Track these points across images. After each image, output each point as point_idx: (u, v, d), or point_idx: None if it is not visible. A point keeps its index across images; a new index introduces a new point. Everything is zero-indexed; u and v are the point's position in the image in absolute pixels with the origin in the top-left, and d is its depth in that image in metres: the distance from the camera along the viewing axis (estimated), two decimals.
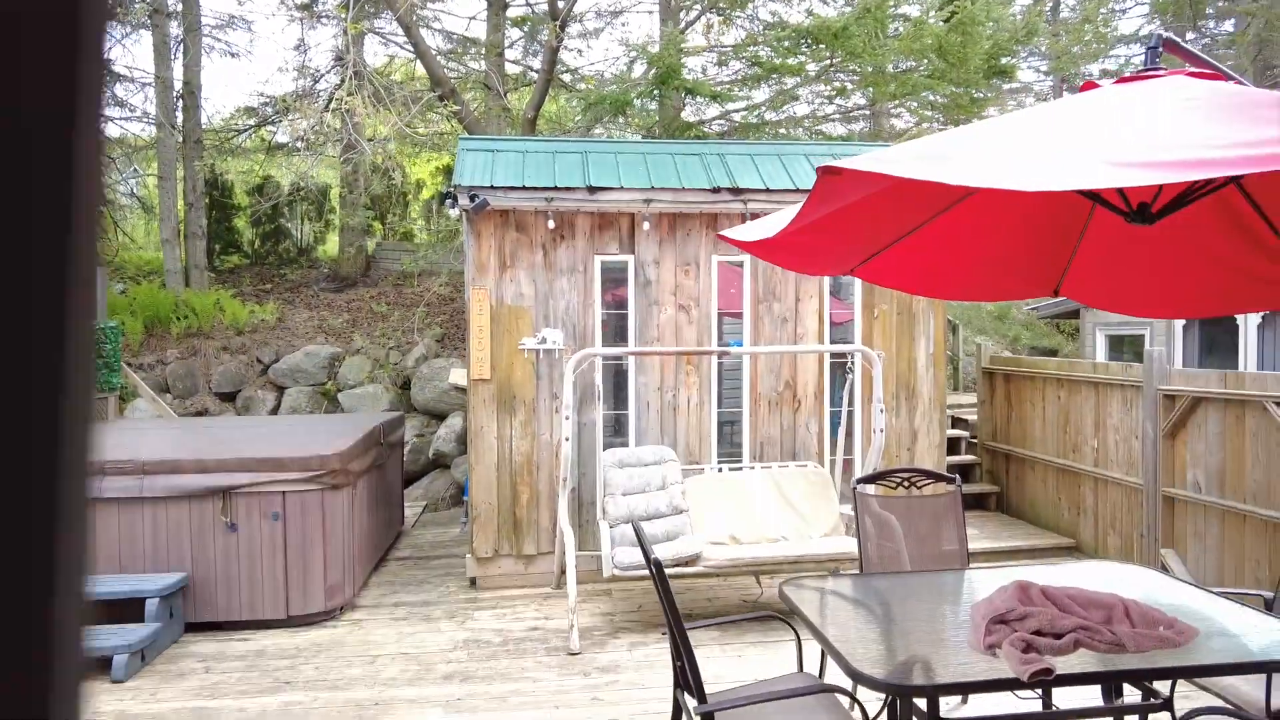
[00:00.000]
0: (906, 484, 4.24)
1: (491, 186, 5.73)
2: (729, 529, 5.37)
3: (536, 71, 14.42)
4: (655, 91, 9.08)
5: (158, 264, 13.78)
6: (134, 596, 4.81)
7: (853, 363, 5.83)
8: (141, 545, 5.16)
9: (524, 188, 5.77)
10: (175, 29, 12.33)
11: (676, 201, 5.90)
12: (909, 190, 3.08)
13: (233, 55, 15.54)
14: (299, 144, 15.59)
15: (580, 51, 15.93)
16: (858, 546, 4.04)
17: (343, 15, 11.23)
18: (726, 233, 3.33)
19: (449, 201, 5.78)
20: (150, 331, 11.14)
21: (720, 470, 5.82)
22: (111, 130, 16.10)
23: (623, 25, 20.50)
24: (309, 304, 13.08)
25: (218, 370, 10.66)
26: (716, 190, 5.88)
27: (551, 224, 5.81)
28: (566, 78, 14.45)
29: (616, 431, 6.15)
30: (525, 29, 14.09)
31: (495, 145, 6.29)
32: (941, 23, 7.70)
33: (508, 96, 13.79)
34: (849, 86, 10.19)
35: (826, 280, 6.18)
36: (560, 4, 10.97)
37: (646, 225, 5.94)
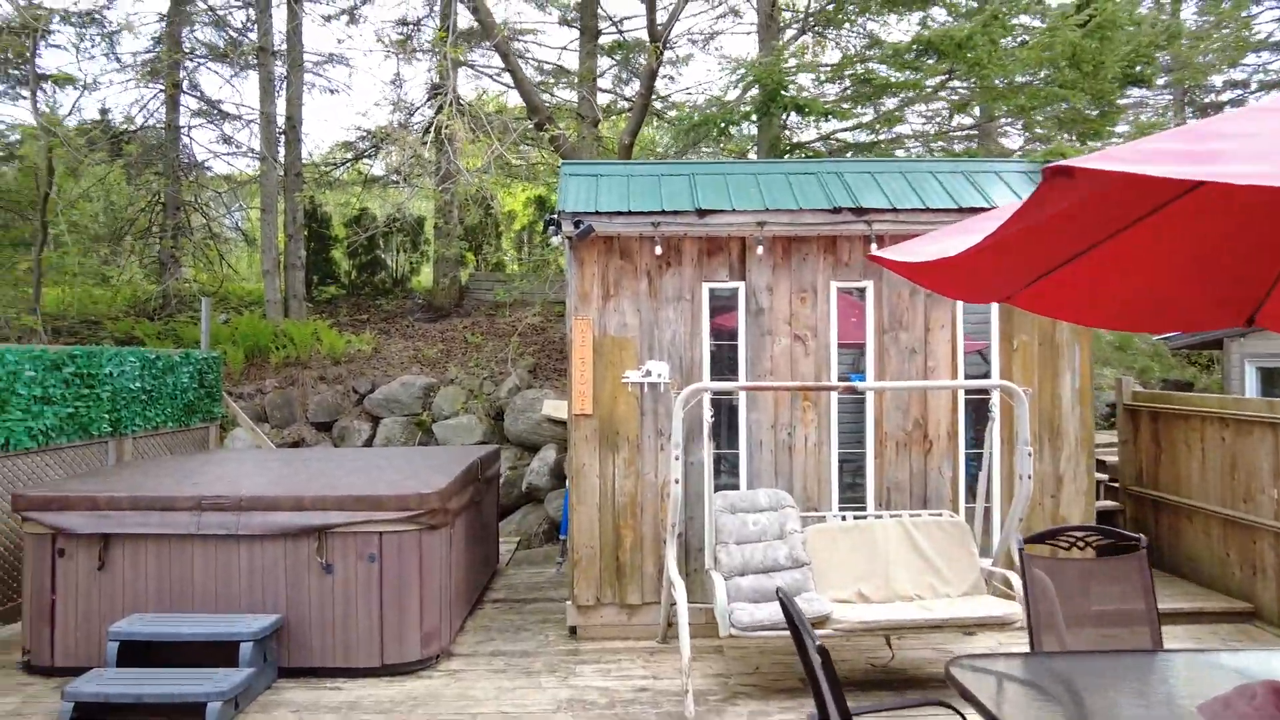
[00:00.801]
0: (1081, 544, 3.66)
1: (596, 212, 5.43)
2: (856, 585, 4.83)
3: (629, 100, 14.30)
4: (760, 112, 8.71)
5: (259, 295, 14.14)
6: (229, 639, 4.62)
7: (994, 400, 5.24)
8: (237, 585, 4.99)
9: (629, 212, 5.44)
10: (279, 66, 12.70)
11: (793, 224, 5.47)
12: (1096, 202, 2.59)
13: (332, 92, 15.98)
14: (394, 177, 15.90)
15: (672, 78, 15.72)
16: (1026, 617, 3.46)
17: (440, 47, 11.33)
18: (882, 252, 2.88)
19: (551, 229, 5.51)
20: (250, 360, 11.33)
21: (843, 518, 5.29)
22: (220, 167, 16.78)
23: (717, 49, 20.28)
24: (404, 334, 13.15)
25: (314, 400, 10.73)
26: (837, 210, 5.43)
27: (659, 249, 5.47)
28: (658, 104, 14.27)
29: (726, 472, 5.70)
30: (618, 57, 14.00)
31: (599, 170, 6.01)
32: (1076, 27, 7.09)
33: (600, 126, 13.68)
34: (968, 101, 9.61)
35: (960, 307, 5.62)
36: (659, 26, 10.76)
37: (760, 250, 5.53)
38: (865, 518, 5.31)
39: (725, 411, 5.66)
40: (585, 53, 12.77)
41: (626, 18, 15.39)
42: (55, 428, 6.16)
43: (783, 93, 8.24)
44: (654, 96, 13.43)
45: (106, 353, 6.79)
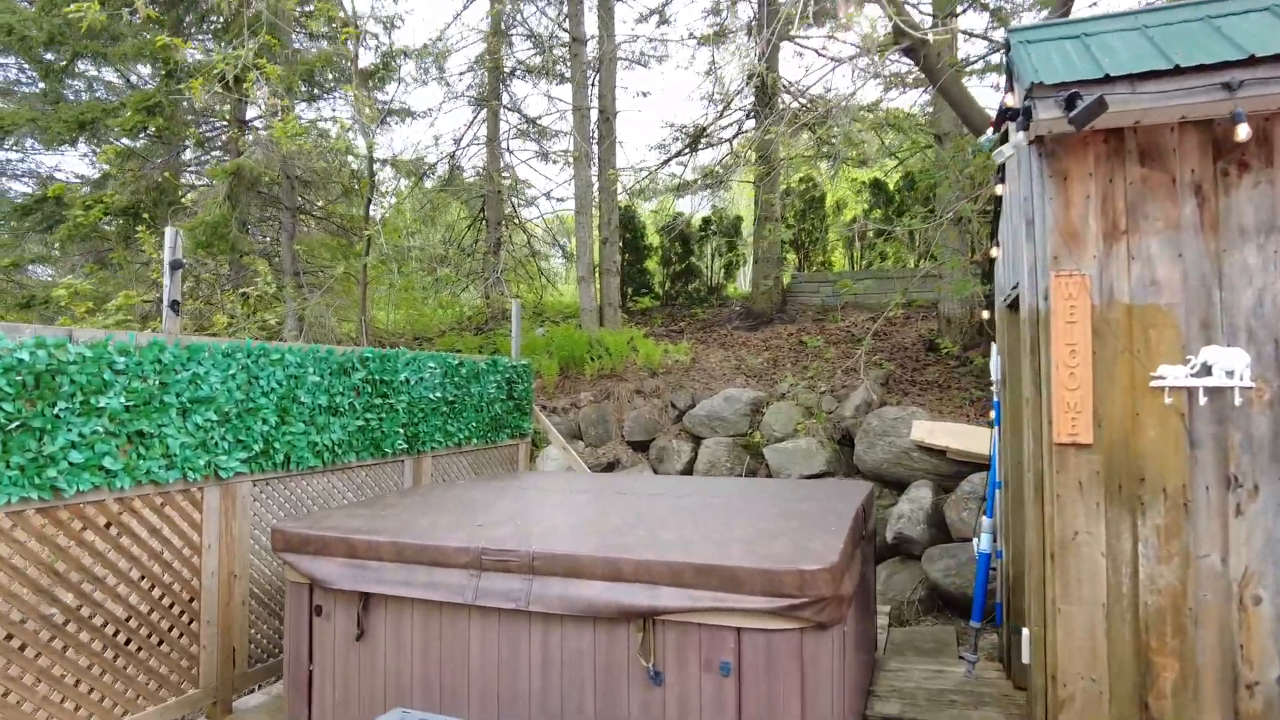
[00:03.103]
0: None
1: (1105, 78, 3.03)
2: None
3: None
4: None
5: (574, 308, 13.42)
6: None
7: None
8: (525, 682, 3.33)
9: (1173, 71, 2.97)
10: (591, 50, 11.79)
11: None
12: None
13: (643, 94, 15.02)
14: (708, 179, 14.50)
15: None
16: None
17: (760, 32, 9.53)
18: None
19: (1016, 122, 3.22)
20: (565, 373, 10.33)
21: None
22: (528, 174, 16.63)
23: None
24: (722, 343, 11.49)
25: (630, 416, 9.36)
26: None
27: (1244, 133, 2.92)
28: None
29: None
30: None
31: (1084, 28, 3.58)
32: None
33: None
34: None
35: None
36: None
37: None
38: None
39: None
40: None
41: None
42: (343, 443, 5.15)
43: None
44: None
45: (402, 356, 5.76)
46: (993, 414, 5.31)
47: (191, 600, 4.19)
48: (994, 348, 5.13)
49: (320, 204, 12.61)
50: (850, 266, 14.05)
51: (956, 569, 6.36)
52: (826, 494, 4.65)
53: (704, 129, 13.63)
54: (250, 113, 10.59)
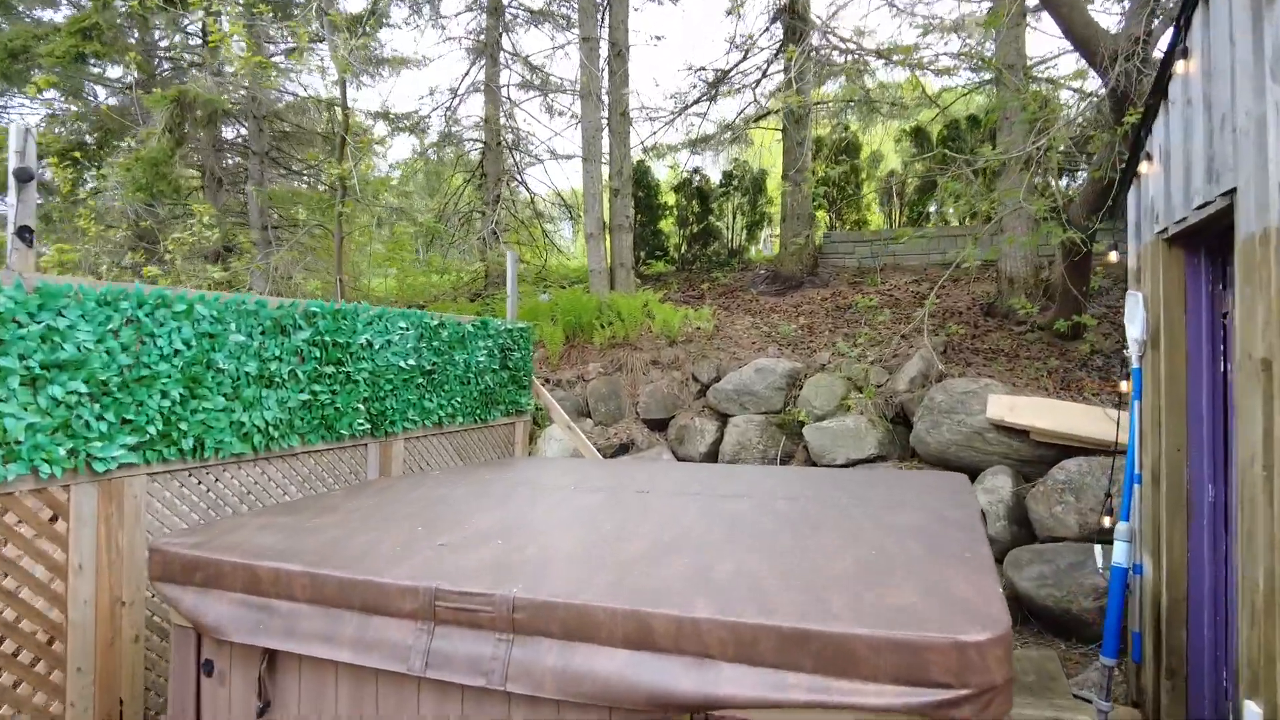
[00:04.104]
0: None
1: None
2: None
3: None
4: None
5: (583, 274, 12.19)
6: None
7: None
8: None
9: None
10: None
11: None
12: None
13: (657, 38, 13.64)
14: (730, 129, 13.17)
15: None
16: None
17: None
18: None
19: None
20: (571, 342, 9.12)
21: None
22: (534, 128, 15.33)
23: None
24: (748, 309, 10.25)
25: (645, 391, 8.16)
26: None
27: None
28: None
29: None
30: None
31: None
32: None
33: None
34: None
35: None
36: None
37: None
38: None
39: None
40: None
41: None
42: (281, 422, 3.97)
43: None
44: None
45: (363, 313, 4.56)
46: (1124, 386, 4.08)
47: (51, 641, 3.03)
48: (1131, 300, 3.89)
49: (300, 158, 11.37)
50: (889, 226, 12.74)
51: (1053, 578, 5.16)
52: (922, 492, 3.44)
53: (726, 72, 12.30)
54: (204, 47, 9.34)
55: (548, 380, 8.36)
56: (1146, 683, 3.85)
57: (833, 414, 7.40)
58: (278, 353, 3.96)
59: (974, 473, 6.26)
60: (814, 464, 7.26)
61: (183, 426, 3.46)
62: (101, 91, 10.48)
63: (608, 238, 10.61)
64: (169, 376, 3.40)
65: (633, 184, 12.45)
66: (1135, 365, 3.84)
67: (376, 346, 4.65)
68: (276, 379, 3.95)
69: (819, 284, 11.01)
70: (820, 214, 12.73)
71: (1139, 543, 3.89)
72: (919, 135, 12.01)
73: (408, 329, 4.91)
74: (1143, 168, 3.81)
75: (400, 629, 2.23)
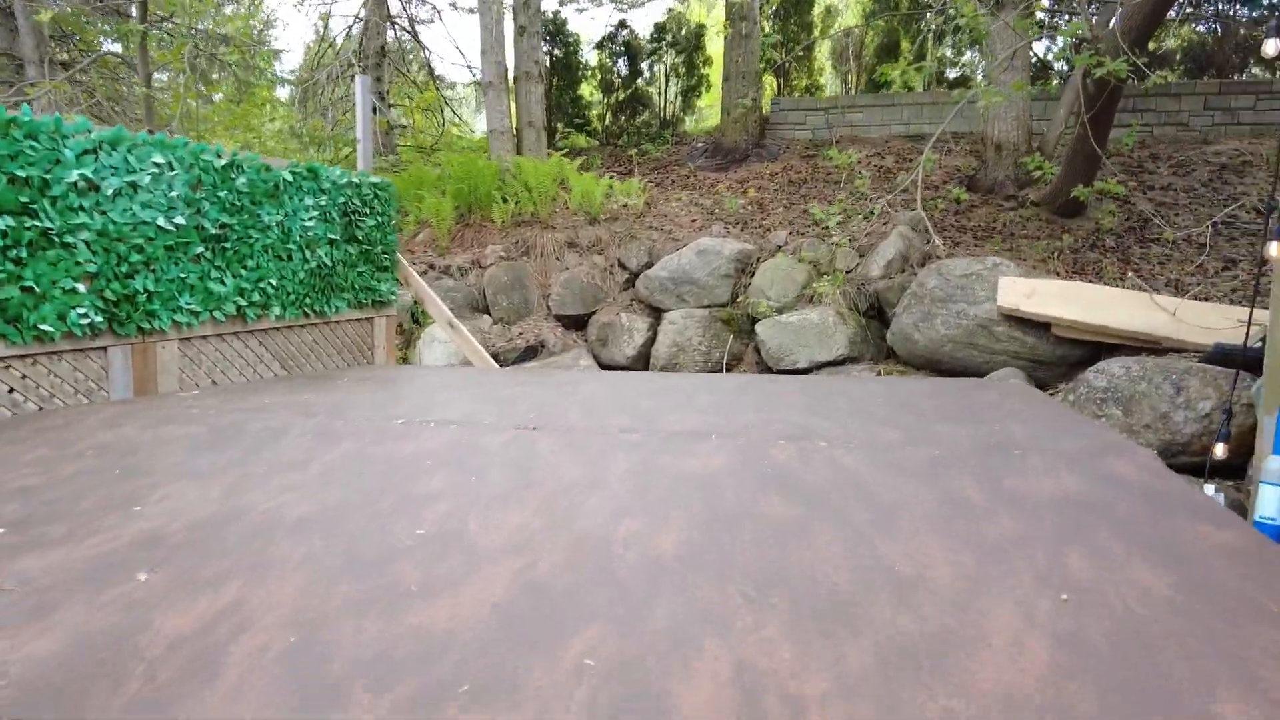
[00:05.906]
0: None
1: None
2: None
3: None
4: None
5: (483, 143, 10.22)
6: None
7: None
8: None
9: None
10: None
11: None
12: None
13: None
14: None
15: None
16: None
17: None
18: None
19: None
20: (465, 220, 7.33)
21: None
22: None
23: None
24: (686, 185, 8.59)
25: (559, 279, 6.52)
26: None
27: None
28: None
29: None
30: None
31: None
32: None
33: None
34: None
35: None
36: None
37: None
38: None
39: None
40: None
41: None
42: None
43: None
44: None
45: (72, 132, 2.75)
46: (1274, 250, 2.67)
47: None
48: None
49: None
50: (845, 92, 11.09)
51: None
52: (1023, 420, 1.98)
53: None
54: None
55: (432, 267, 6.61)
56: None
57: (791, 306, 5.94)
58: None
59: (976, 376, 4.92)
60: (768, 368, 5.85)
61: None
62: None
63: (510, 91, 8.65)
64: None
65: (547, 31, 10.38)
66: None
67: (109, 192, 2.87)
68: None
69: (766, 157, 9.38)
70: (767, 78, 10.96)
71: None
72: None
73: (168, 166, 3.12)
74: None
75: None
